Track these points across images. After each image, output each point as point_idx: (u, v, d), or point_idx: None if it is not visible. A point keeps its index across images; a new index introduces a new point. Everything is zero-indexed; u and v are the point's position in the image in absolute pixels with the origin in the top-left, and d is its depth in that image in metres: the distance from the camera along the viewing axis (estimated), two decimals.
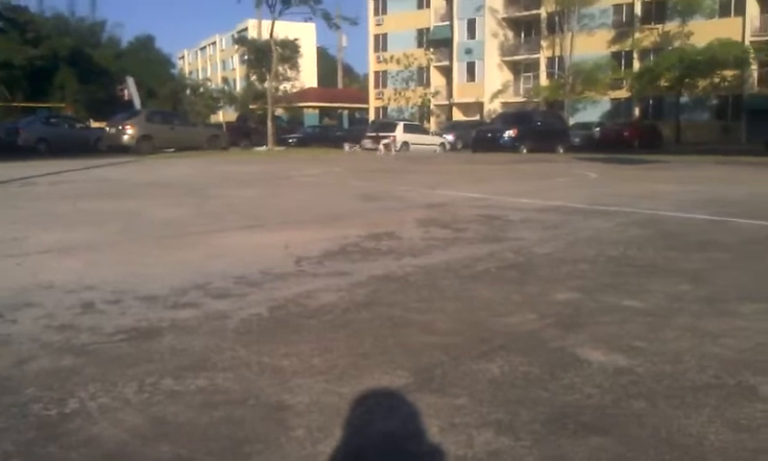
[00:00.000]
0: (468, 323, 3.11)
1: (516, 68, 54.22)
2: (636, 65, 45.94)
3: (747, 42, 41.01)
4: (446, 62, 55.75)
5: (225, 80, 70.40)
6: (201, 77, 77.55)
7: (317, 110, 57.18)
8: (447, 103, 55.59)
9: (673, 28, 44.23)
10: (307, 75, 65.57)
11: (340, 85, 65.79)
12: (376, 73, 61.03)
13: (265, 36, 40.78)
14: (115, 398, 2.22)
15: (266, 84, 41.21)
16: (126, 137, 25.38)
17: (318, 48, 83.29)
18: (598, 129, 36.70)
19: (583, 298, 3.55)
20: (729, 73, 40.53)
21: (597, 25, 47.77)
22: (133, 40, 76.18)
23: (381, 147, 26.95)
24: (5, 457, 1.83)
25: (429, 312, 3.29)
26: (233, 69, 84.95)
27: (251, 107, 52.47)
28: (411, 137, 30.92)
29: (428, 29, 57.23)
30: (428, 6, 57.32)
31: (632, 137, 33.63)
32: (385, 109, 57.28)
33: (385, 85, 58.08)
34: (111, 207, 7.95)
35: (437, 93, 55.37)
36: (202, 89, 53.73)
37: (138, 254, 4.97)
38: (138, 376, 2.40)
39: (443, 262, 4.53)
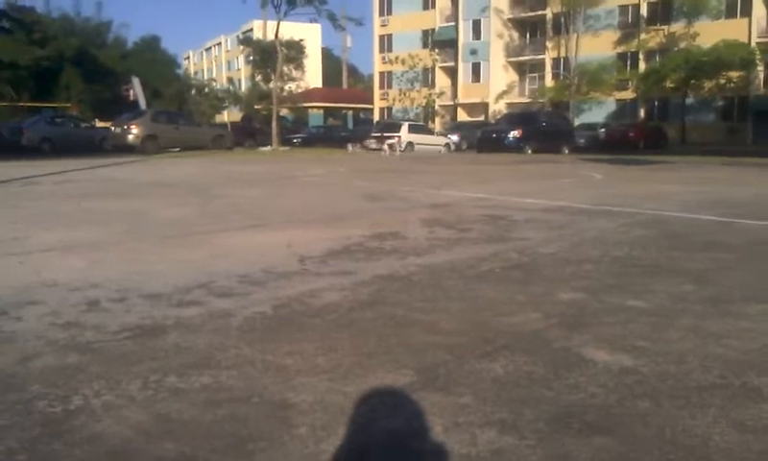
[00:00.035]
0: (473, 322, 3.11)
1: (521, 69, 54.20)
2: (642, 66, 45.87)
3: (753, 44, 40.88)
4: (451, 63, 55.76)
5: (230, 80, 70.37)
6: (206, 77, 77.51)
7: (321, 111, 57.21)
8: (452, 103, 55.60)
9: (679, 29, 44.13)
10: (312, 75, 65.58)
11: (345, 86, 65.78)
12: (381, 74, 61.09)
13: (270, 36, 40.80)
14: (119, 395, 2.22)
15: (271, 85, 41.26)
16: (131, 137, 25.48)
17: (323, 48, 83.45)
18: (603, 130, 36.64)
19: (587, 298, 3.55)
20: (735, 74, 40.44)
21: (603, 26, 47.71)
22: (139, 41, 76.72)
23: (386, 147, 26.95)
24: (9, 454, 1.83)
25: (433, 312, 3.29)
26: (238, 69, 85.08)
27: (255, 107, 52.47)
28: (416, 138, 30.92)
29: (433, 29, 57.24)
30: (433, 6, 57.33)
31: (637, 138, 33.59)
32: (390, 109, 57.34)
33: (390, 86, 58.14)
34: (116, 207, 7.97)
35: (442, 94, 55.39)
36: (207, 90, 53.67)
37: (143, 252, 4.98)
38: (142, 374, 2.41)
39: (447, 262, 4.53)
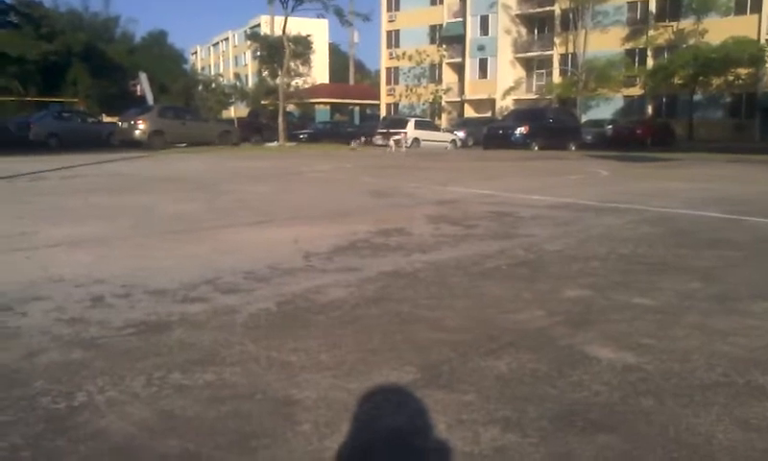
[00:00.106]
0: (477, 320, 3.10)
1: (528, 65, 54.09)
2: (650, 63, 45.69)
3: (762, 40, 40.65)
4: (459, 59, 55.68)
5: (237, 76, 70.53)
6: (213, 73, 77.78)
7: (328, 106, 57.25)
8: (459, 99, 55.51)
9: (688, 25, 43.94)
10: (319, 71, 65.69)
11: (351, 82, 65.84)
12: (388, 69, 61.07)
13: (277, 32, 40.85)
14: (123, 391, 2.23)
15: (278, 80, 41.30)
16: (138, 132, 25.55)
17: (330, 44, 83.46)
18: (610, 126, 36.57)
19: (593, 295, 3.53)
20: (743, 71, 40.22)
21: (611, 22, 47.53)
22: (146, 36, 76.92)
23: (391, 143, 26.93)
24: (14, 450, 1.84)
25: (438, 309, 3.29)
26: (245, 65, 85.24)
27: (262, 102, 52.58)
28: (422, 134, 30.93)
29: (441, 25, 57.17)
30: (441, 2, 57.27)
31: (644, 135, 33.48)
32: (396, 105, 57.29)
33: (397, 82, 58.09)
34: (123, 202, 7.99)
35: (449, 90, 55.32)
36: (214, 85, 53.86)
37: (149, 248, 4.99)
38: (147, 370, 2.41)
39: (452, 259, 4.52)
